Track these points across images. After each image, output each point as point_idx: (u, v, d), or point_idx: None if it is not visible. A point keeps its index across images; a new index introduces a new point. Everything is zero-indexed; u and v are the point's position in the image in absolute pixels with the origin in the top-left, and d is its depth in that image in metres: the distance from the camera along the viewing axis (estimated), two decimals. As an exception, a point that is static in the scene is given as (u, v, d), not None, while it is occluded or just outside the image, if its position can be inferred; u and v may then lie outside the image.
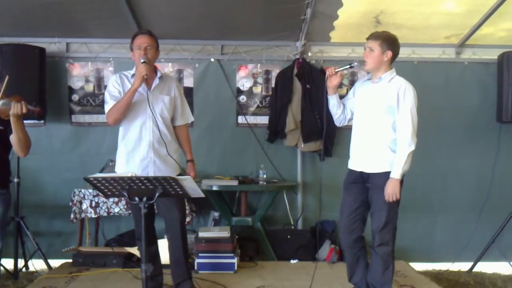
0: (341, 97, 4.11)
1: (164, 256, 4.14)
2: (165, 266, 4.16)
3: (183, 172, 4.06)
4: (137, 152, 3.95)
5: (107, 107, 3.93)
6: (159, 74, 4.02)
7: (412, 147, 3.68)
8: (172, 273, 4.09)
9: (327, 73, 3.91)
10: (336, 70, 3.88)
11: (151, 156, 3.93)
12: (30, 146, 3.74)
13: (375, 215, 3.81)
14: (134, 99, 3.84)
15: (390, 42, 3.76)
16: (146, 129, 3.92)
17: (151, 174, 3.87)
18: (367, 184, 3.86)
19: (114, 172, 4.06)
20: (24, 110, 3.54)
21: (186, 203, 5.08)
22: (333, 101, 4.00)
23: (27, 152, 3.74)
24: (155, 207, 4.01)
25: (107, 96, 3.95)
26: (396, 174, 3.68)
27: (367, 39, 3.82)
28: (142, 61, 3.79)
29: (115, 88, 3.93)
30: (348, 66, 3.93)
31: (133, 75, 3.92)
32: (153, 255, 4.01)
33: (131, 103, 3.85)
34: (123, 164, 4.00)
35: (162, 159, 3.94)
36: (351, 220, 3.90)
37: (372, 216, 3.85)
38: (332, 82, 3.90)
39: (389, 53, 3.74)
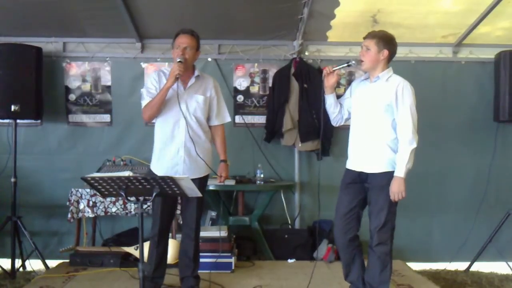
0: (339, 96, 4.11)
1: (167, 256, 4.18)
2: (167, 266, 4.20)
3: (214, 173, 4.13)
4: (168, 150, 3.99)
5: (143, 104, 3.99)
6: (196, 74, 4.04)
7: (414, 145, 3.68)
8: (179, 268, 4.18)
9: (324, 72, 3.91)
10: (334, 69, 3.89)
11: (181, 154, 3.96)
12: None
13: (374, 215, 3.81)
14: (169, 97, 3.89)
15: (386, 41, 3.76)
16: (179, 128, 3.95)
17: (180, 172, 3.89)
18: (365, 184, 3.85)
19: (113, 170, 4.09)
20: None
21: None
22: (330, 101, 4.00)
23: None
24: (178, 206, 4.11)
25: (144, 93, 4.01)
26: (400, 173, 3.68)
27: (364, 38, 3.83)
28: (178, 60, 3.84)
29: (152, 85, 3.98)
30: (346, 64, 3.92)
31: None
32: (162, 257, 4.06)
33: (164, 101, 3.89)
34: (155, 160, 4.08)
35: (192, 158, 3.96)
36: (347, 219, 3.89)
37: (371, 215, 3.85)
38: (329, 81, 3.91)
39: (386, 52, 3.74)
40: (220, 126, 4.21)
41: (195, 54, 4.01)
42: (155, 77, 4.03)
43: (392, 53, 3.80)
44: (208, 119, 4.13)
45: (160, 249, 4.05)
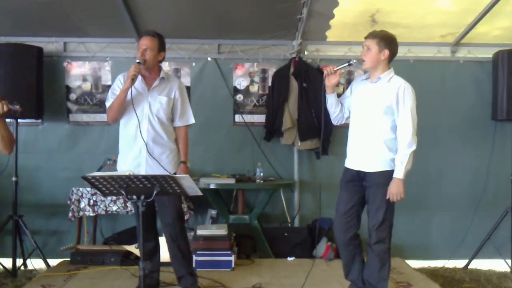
0: (339, 95, 4.13)
1: (163, 253, 4.18)
2: (164, 263, 4.20)
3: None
4: (131, 150, 4.02)
5: (107, 105, 4.04)
6: (161, 75, 4.06)
7: (414, 147, 3.71)
8: (173, 268, 4.16)
9: (326, 72, 3.91)
10: (335, 69, 3.89)
11: (143, 155, 3.97)
12: (13, 143, 3.71)
13: (372, 213, 3.83)
14: (133, 98, 3.88)
15: (387, 41, 3.78)
16: (142, 128, 3.94)
17: (142, 172, 3.90)
18: (364, 183, 3.87)
19: (114, 169, 4.10)
20: (5, 109, 3.51)
21: (184, 201, 5.10)
22: (331, 100, 4.00)
23: (12, 149, 3.72)
24: (155, 205, 4.05)
25: (109, 94, 4.06)
26: (399, 174, 3.71)
27: (365, 38, 3.84)
28: (137, 61, 3.89)
29: (117, 87, 4.01)
30: (347, 64, 3.92)
31: None
32: (151, 251, 4.04)
33: (124, 102, 3.91)
34: (120, 160, 4.11)
35: (155, 158, 3.97)
36: (346, 218, 3.91)
37: (369, 214, 3.87)
38: (330, 81, 3.91)
39: (386, 52, 3.75)
40: (183, 127, 4.20)
41: (157, 56, 4.03)
42: (120, 79, 4.04)
43: (393, 53, 3.82)
44: (172, 120, 4.15)
45: (147, 246, 3.96)
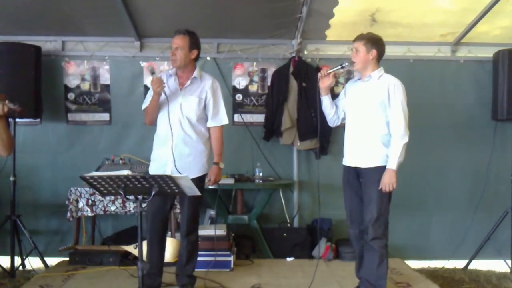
0: (336, 96, 4.18)
1: (166, 254, 4.20)
2: (166, 264, 4.23)
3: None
4: (162, 149, 4.04)
5: (143, 107, 4.13)
6: (194, 75, 4.05)
7: (406, 139, 3.82)
8: (176, 265, 4.23)
9: (319, 74, 4.07)
10: (328, 72, 4.05)
11: (172, 154, 3.96)
12: (13, 145, 3.67)
13: (368, 208, 3.92)
14: (164, 99, 3.94)
15: (373, 42, 3.94)
16: (173, 129, 3.95)
17: (168, 172, 3.89)
18: (360, 179, 3.98)
19: (113, 169, 4.10)
20: (6, 110, 3.46)
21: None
22: (326, 102, 4.15)
23: (11, 151, 3.67)
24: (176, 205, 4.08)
25: (147, 96, 4.13)
26: (392, 165, 3.81)
27: (353, 41, 4.00)
28: (152, 74, 3.96)
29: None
30: (339, 66, 4.09)
31: (170, 75, 4.09)
32: (157, 252, 4.07)
33: (156, 108, 3.98)
34: (151, 159, 4.15)
35: (183, 159, 3.97)
36: (355, 213, 4.03)
37: (365, 209, 3.95)
38: (324, 83, 4.07)
39: (374, 52, 3.91)
40: (217, 128, 4.17)
41: (189, 54, 4.00)
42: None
43: (380, 52, 3.97)
44: (206, 120, 4.14)
45: (154, 247, 4.04)
